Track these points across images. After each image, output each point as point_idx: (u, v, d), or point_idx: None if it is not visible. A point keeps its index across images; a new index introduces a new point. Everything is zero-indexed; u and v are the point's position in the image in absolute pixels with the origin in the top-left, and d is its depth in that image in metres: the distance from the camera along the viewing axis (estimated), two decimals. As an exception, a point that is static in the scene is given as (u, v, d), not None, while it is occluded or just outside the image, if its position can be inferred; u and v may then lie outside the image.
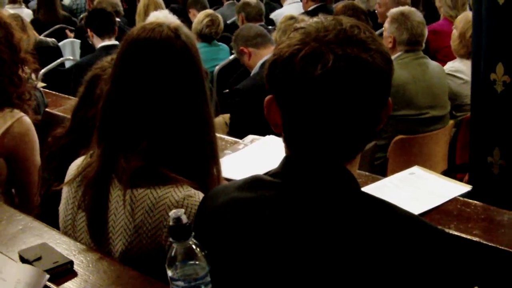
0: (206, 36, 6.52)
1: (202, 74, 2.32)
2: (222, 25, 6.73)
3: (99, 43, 6.00)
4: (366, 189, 2.82)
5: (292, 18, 5.78)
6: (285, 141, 1.73)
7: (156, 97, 2.22)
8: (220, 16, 6.76)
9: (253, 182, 1.77)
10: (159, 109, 2.22)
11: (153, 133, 2.20)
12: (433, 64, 5.18)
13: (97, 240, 2.24)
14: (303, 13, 7.04)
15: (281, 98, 1.67)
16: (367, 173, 3.21)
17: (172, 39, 2.26)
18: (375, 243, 1.56)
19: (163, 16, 5.56)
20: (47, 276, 1.96)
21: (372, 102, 1.64)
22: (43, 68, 6.56)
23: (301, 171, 1.68)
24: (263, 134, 3.69)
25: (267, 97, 1.70)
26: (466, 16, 5.48)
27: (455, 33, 5.42)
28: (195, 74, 2.28)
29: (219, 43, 6.77)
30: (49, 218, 2.53)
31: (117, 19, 6.45)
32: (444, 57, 6.13)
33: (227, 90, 5.73)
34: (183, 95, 2.24)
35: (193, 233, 1.59)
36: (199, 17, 6.63)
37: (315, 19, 1.70)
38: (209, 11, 6.92)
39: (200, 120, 2.27)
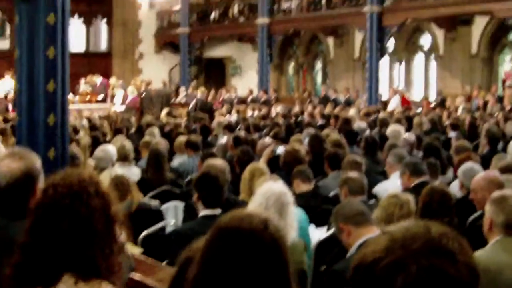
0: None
1: (289, 272, 2.26)
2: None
3: (202, 211, 6.00)
4: None
5: (394, 196, 5.74)
6: None
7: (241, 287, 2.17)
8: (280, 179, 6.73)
9: None
10: None
11: None
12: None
13: None
14: (405, 190, 6.96)
15: None
16: None
17: (261, 231, 2.23)
18: None
19: (275, 184, 5.55)
20: None
21: None
22: (142, 231, 6.62)
23: None
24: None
25: None
26: None
27: None
28: (281, 271, 2.22)
29: None
30: None
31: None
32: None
33: (324, 267, 5.64)
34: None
35: None
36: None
37: (405, 224, 1.67)
38: (266, 176, 6.94)
39: None
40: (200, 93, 24.31)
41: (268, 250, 2.23)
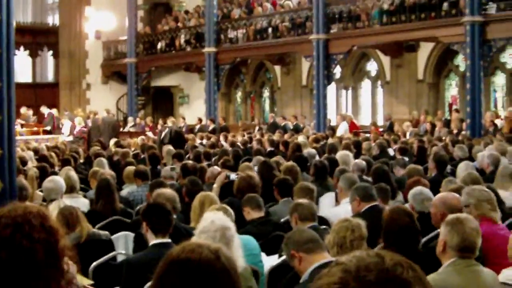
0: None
1: None
2: (233, 215, 6.65)
3: (152, 240, 5.96)
4: None
5: (346, 221, 5.74)
6: None
7: None
8: (229, 208, 6.77)
9: None
10: None
11: None
12: (486, 272, 5.07)
13: None
14: (355, 216, 6.97)
15: None
16: None
17: (212, 261, 2.20)
18: None
19: (217, 218, 5.54)
20: None
21: None
22: (92, 261, 6.53)
23: None
24: None
25: None
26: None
27: (512, 239, 5.35)
28: None
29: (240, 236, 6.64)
30: None
31: (174, 216, 6.44)
32: (496, 259, 5.96)
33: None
34: None
35: None
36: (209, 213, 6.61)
37: (357, 253, 1.64)
38: (215, 205, 6.96)
39: None
40: (171, 122, 24.45)
41: (220, 280, 2.20)
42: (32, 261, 2.98)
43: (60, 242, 3.12)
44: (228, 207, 6.84)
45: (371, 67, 28.78)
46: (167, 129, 21.97)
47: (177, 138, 20.56)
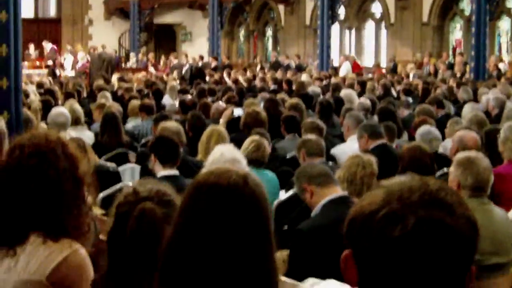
0: (253, 161, 6.47)
1: (270, 225, 2.22)
2: (268, 150, 6.75)
3: (160, 172, 5.98)
4: None
5: (357, 157, 5.73)
6: None
7: (221, 244, 2.12)
8: (265, 142, 6.79)
9: None
10: (224, 255, 2.12)
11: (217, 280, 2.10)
12: (498, 210, 5.07)
13: None
14: (365, 151, 6.96)
15: (358, 256, 1.60)
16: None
17: (240, 186, 2.18)
18: None
19: (227, 150, 5.54)
20: None
21: (453, 268, 1.55)
22: (99, 192, 6.54)
23: None
24: (323, 276, 3.61)
25: (345, 253, 1.63)
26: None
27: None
28: (263, 224, 2.18)
29: (266, 172, 6.67)
30: None
31: (181, 149, 6.45)
32: (508, 201, 5.97)
33: (286, 227, 5.62)
34: (247, 244, 2.13)
35: None
36: (245, 143, 6.71)
37: (402, 178, 1.64)
38: (255, 137, 6.94)
39: (260, 271, 2.16)
40: (191, 59, 24.41)
41: (249, 205, 2.17)
42: (57, 190, 2.97)
43: (80, 169, 3.11)
44: (264, 139, 6.89)
45: (376, 8, 28.58)
46: (187, 65, 21.92)
47: (198, 74, 20.55)
